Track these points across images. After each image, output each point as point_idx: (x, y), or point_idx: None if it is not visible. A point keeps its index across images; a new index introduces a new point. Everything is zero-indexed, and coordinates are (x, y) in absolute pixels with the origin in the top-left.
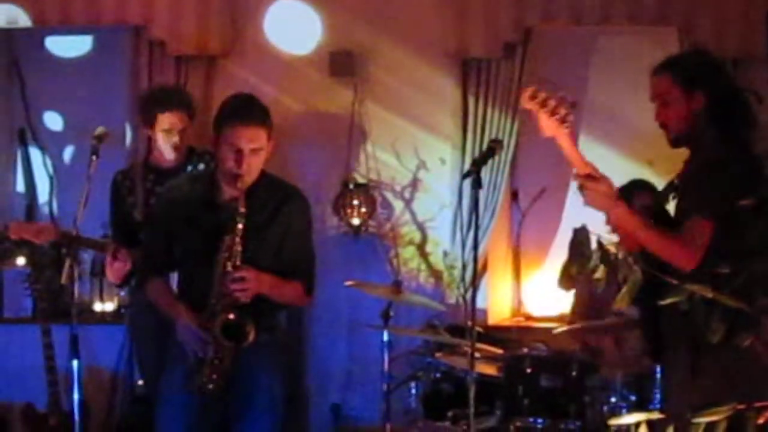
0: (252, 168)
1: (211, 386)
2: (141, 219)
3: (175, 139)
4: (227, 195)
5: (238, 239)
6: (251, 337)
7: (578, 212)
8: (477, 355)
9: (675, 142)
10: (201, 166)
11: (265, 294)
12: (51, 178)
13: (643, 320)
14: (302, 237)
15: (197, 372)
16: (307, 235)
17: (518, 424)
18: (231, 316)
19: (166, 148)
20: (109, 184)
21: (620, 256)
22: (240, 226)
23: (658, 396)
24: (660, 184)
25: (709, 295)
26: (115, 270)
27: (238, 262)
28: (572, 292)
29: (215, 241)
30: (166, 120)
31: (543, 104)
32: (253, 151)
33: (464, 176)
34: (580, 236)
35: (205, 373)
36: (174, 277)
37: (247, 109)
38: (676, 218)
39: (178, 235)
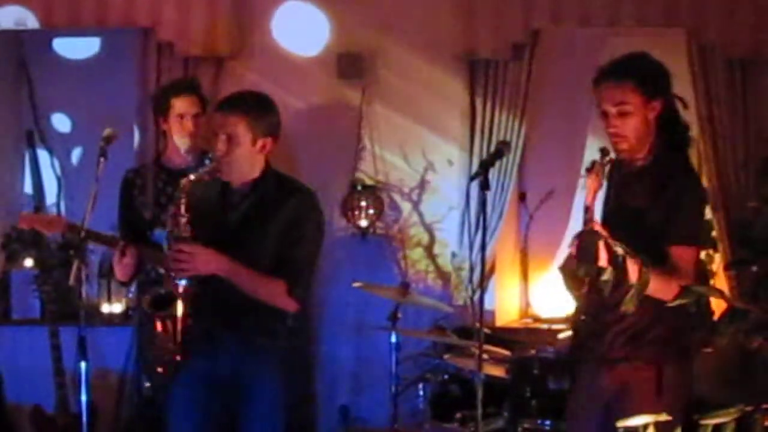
0: (222, 153)
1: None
2: (150, 218)
3: (189, 125)
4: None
5: (183, 212)
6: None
7: None
8: (485, 356)
9: (625, 153)
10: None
11: (225, 279)
12: (59, 179)
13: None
14: (300, 236)
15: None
16: (307, 237)
17: (526, 425)
18: (162, 291)
19: (181, 138)
20: (120, 182)
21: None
22: (183, 199)
23: None
24: None
25: (718, 297)
26: (123, 266)
27: (183, 236)
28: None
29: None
30: (179, 104)
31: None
32: (227, 138)
33: (472, 178)
34: (588, 238)
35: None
36: None
37: (228, 97)
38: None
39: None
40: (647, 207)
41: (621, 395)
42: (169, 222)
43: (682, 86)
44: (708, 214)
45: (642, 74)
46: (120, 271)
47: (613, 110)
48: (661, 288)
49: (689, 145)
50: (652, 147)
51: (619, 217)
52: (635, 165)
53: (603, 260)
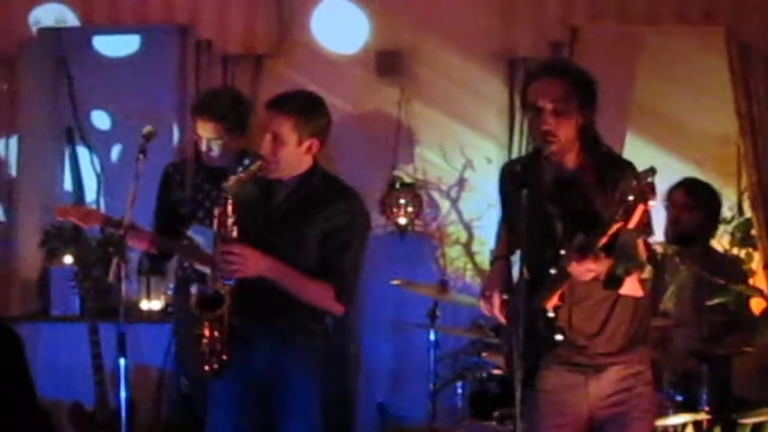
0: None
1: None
2: (186, 214)
3: (208, 146)
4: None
5: (229, 212)
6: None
7: None
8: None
9: (555, 155)
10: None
11: (274, 281)
12: (98, 176)
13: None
14: (349, 240)
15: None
16: (356, 241)
17: None
18: (209, 292)
19: (205, 153)
20: (160, 176)
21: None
22: (230, 200)
23: (705, 396)
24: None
25: (758, 296)
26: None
27: (231, 236)
28: None
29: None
30: (199, 125)
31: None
32: (273, 137)
33: (502, 175)
34: (625, 237)
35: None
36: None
37: (278, 96)
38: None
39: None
40: (597, 206)
41: (620, 399)
42: (216, 223)
43: (721, 84)
44: (747, 212)
45: (579, 78)
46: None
47: (549, 106)
48: (633, 284)
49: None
50: (579, 157)
51: (570, 222)
52: (565, 171)
53: (643, 257)
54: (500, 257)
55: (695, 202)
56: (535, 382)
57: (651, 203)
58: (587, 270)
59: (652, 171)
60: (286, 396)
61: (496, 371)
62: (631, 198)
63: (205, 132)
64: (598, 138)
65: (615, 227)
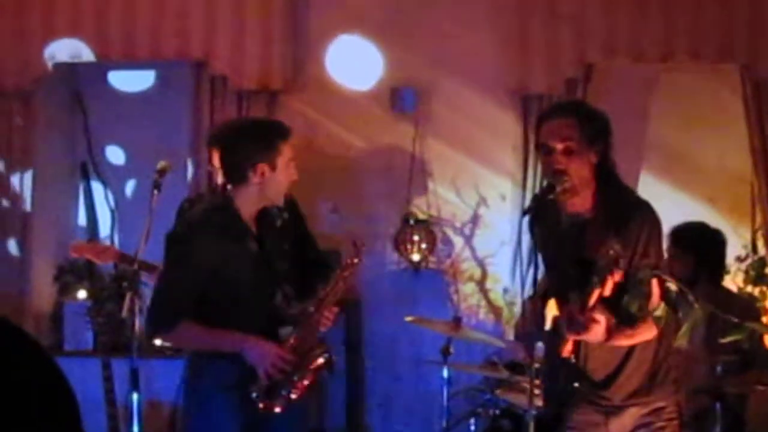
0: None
1: (276, 408)
2: None
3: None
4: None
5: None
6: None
7: None
8: (536, 391)
9: (567, 194)
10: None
11: None
12: (112, 211)
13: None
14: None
15: (267, 395)
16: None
17: None
18: (324, 358)
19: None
20: (176, 212)
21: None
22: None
23: None
24: (721, 221)
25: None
26: None
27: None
28: None
29: (264, 271)
30: (213, 157)
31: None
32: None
33: (524, 213)
34: (640, 275)
35: (276, 397)
36: None
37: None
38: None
39: (221, 272)
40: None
41: None
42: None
43: (735, 121)
44: (761, 250)
45: (585, 115)
46: None
47: (559, 146)
48: (646, 329)
49: (623, 192)
50: (594, 197)
51: (584, 267)
52: (579, 216)
53: (656, 296)
54: (533, 297)
55: (680, 251)
56: (563, 419)
57: (617, 276)
58: (585, 328)
59: (615, 243)
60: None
61: (511, 406)
62: (600, 269)
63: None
64: (614, 176)
65: (595, 295)
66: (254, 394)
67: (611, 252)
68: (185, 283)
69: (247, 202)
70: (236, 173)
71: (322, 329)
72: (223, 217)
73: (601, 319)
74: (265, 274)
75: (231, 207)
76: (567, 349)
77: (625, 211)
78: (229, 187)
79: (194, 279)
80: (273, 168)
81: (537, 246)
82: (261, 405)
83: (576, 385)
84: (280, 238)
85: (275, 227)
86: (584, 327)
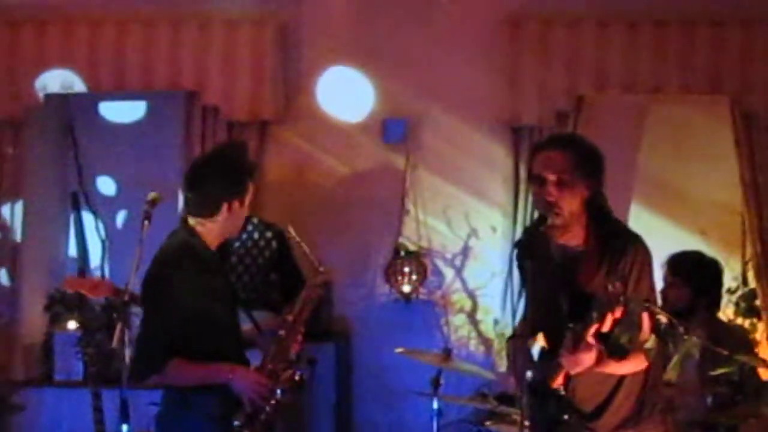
0: None
1: None
2: None
3: None
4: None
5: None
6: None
7: None
8: (527, 423)
9: (558, 229)
10: (255, 234)
11: None
12: (103, 242)
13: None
14: None
15: (249, 422)
16: None
17: None
18: (297, 376)
19: None
20: None
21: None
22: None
23: None
24: (711, 253)
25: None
26: None
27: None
28: None
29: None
30: None
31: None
32: None
33: (515, 244)
34: (630, 306)
35: (257, 425)
36: None
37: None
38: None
39: (201, 306)
40: (599, 283)
41: None
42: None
43: (725, 153)
44: (751, 282)
45: (579, 149)
46: None
47: (552, 178)
48: (636, 359)
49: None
50: (586, 230)
51: (576, 300)
52: (571, 249)
53: (646, 328)
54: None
55: (678, 279)
56: None
57: (617, 313)
58: (579, 361)
59: (616, 280)
60: None
61: None
62: (600, 306)
63: None
64: (606, 211)
65: (593, 328)
66: (236, 423)
67: (613, 288)
68: (169, 324)
69: (211, 235)
70: (209, 207)
71: (293, 352)
72: (195, 251)
73: (594, 345)
74: (234, 304)
75: (199, 241)
76: (558, 381)
77: (618, 245)
78: (190, 220)
79: (177, 318)
80: (242, 204)
81: (525, 279)
82: None
83: (566, 417)
84: (267, 268)
85: (230, 258)
86: (576, 364)
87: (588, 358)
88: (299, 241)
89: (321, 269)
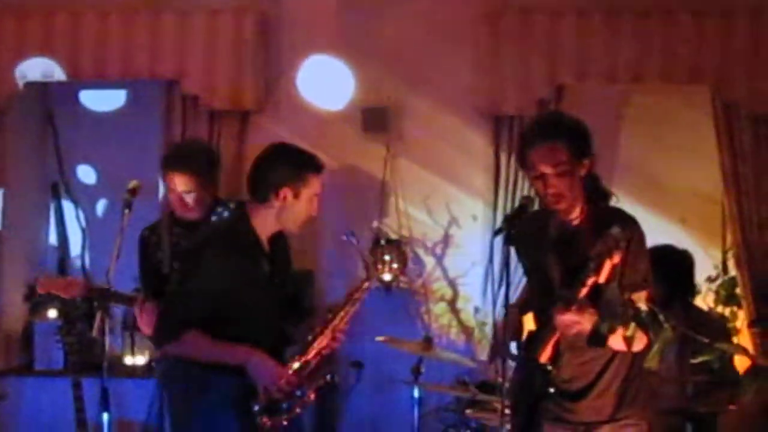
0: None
1: (283, 422)
2: (168, 273)
3: (186, 201)
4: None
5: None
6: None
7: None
8: (507, 411)
9: (564, 213)
10: (225, 214)
11: None
12: (83, 231)
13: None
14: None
15: (269, 410)
16: None
17: None
18: (327, 377)
19: (174, 206)
20: (138, 238)
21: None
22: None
23: None
24: (692, 242)
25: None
26: (145, 321)
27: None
28: None
29: (274, 292)
30: (172, 180)
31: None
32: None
33: (496, 233)
34: (609, 294)
35: (279, 413)
36: None
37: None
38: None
39: (233, 290)
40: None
41: None
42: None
43: (706, 143)
44: (732, 270)
45: (570, 134)
46: (143, 326)
47: (551, 171)
48: (618, 342)
49: (609, 198)
50: (584, 206)
51: (567, 273)
52: (569, 225)
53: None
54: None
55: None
56: None
57: (616, 258)
58: (571, 322)
59: (617, 228)
60: None
61: (482, 426)
62: (597, 254)
63: (182, 185)
64: (600, 187)
65: (589, 281)
66: (255, 407)
67: (612, 233)
68: (196, 297)
69: (263, 223)
70: (260, 191)
71: (330, 349)
72: (240, 235)
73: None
74: (275, 295)
75: (248, 225)
76: (545, 355)
77: (616, 222)
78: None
79: (205, 294)
80: (296, 195)
81: (519, 256)
82: (267, 421)
83: (551, 390)
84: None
85: (287, 251)
86: (581, 307)
87: (583, 319)
88: (356, 246)
89: (369, 281)
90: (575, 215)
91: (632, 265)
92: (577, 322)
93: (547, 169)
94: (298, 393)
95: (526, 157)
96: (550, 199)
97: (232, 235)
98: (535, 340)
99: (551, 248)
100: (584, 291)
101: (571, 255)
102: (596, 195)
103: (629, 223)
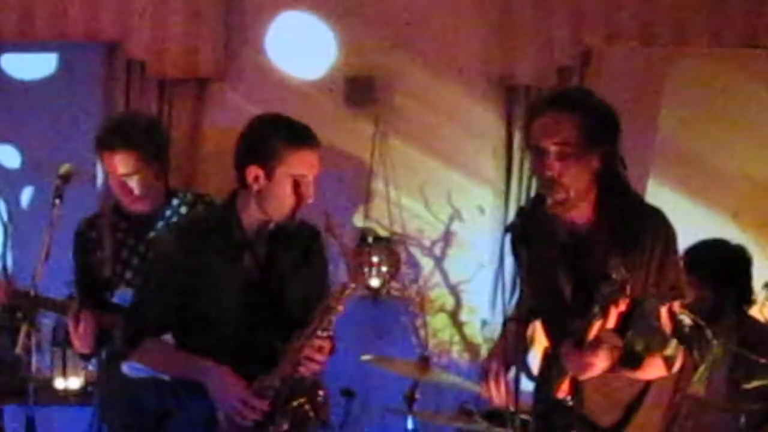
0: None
1: None
2: (109, 276)
3: (130, 185)
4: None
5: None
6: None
7: None
8: None
9: (559, 208)
10: (183, 209)
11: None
12: (5, 225)
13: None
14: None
15: None
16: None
17: None
18: (305, 404)
19: (117, 194)
20: (73, 234)
21: (697, 329)
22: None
23: None
24: (745, 240)
25: None
26: (80, 336)
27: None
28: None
29: (252, 294)
30: (107, 163)
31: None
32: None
33: (507, 229)
34: (646, 307)
35: None
36: None
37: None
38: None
39: (201, 289)
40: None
41: None
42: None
43: (762, 119)
44: None
45: (587, 109)
46: (78, 341)
47: (552, 148)
48: (656, 364)
49: (626, 193)
50: (595, 207)
51: (582, 290)
52: (579, 228)
53: (667, 331)
54: (514, 318)
55: (696, 279)
56: None
57: (622, 306)
58: (584, 365)
59: (619, 265)
60: None
61: None
62: (603, 296)
63: (123, 167)
64: (621, 183)
65: (597, 323)
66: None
67: (615, 276)
68: (158, 299)
69: (247, 210)
70: (237, 171)
71: (306, 371)
72: (219, 226)
73: (601, 355)
74: (254, 298)
75: (232, 215)
76: (563, 389)
77: (633, 223)
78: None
79: (169, 295)
80: (269, 176)
81: (522, 268)
82: None
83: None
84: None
85: (293, 249)
86: (583, 369)
87: (597, 361)
88: (336, 240)
89: (352, 285)
90: (583, 215)
91: (657, 274)
92: (590, 364)
93: (546, 143)
94: (275, 423)
95: (530, 131)
96: (547, 185)
97: (210, 230)
98: (549, 373)
99: (559, 256)
100: (593, 332)
101: (582, 266)
102: (613, 193)
103: (653, 219)
